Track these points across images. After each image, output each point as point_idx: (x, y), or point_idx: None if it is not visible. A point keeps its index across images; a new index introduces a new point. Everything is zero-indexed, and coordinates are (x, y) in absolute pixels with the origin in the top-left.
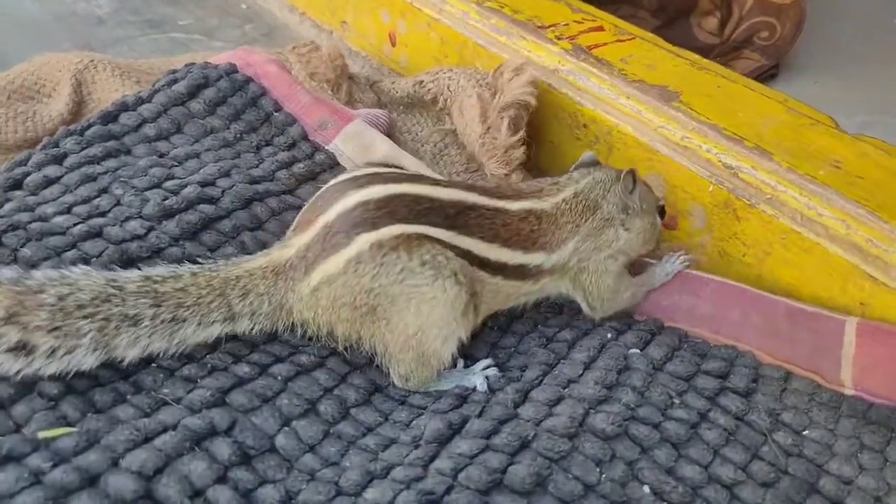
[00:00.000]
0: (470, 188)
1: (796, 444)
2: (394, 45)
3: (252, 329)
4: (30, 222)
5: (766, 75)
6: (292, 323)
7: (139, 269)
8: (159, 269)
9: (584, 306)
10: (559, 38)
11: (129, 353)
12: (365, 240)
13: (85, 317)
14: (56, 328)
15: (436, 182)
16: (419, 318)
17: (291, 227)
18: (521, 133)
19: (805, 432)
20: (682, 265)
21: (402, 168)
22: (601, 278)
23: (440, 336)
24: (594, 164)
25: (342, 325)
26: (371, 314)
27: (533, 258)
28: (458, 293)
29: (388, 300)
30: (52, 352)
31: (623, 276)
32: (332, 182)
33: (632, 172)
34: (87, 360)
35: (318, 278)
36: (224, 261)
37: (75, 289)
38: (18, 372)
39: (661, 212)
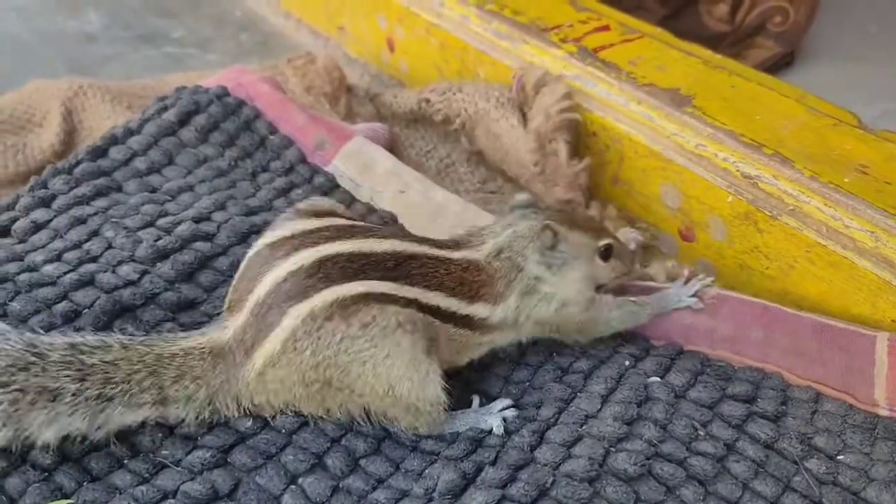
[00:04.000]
0: (407, 238)
1: (830, 471)
2: (392, 51)
3: (186, 417)
4: (18, 273)
5: (781, 63)
6: (244, 409)
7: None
8: (87, 338)
9: (569, 342)
10: (564, 41)
11: (44, 434)
12: (297, 313)
13: None
14: None
15: (369, 233)
16: (381, 380)
17: (225, 305)
18: (587, 160)
19: (839, 457)
20: (691, 301)
21: (336, 217)
22: (564, 321)
23: (415, 385)
24: (526, 206)
25: (305, 404)
26: (328, 387)
27: (478, 310)
28: (413, 339)
29: (339, 370)
30: None
31: (591, 305)
32: (257, 248)
33: (548, 227)
34: None
35: (260, 362)
36: (157, 335)
37: None
38: None
39: (606, 254)
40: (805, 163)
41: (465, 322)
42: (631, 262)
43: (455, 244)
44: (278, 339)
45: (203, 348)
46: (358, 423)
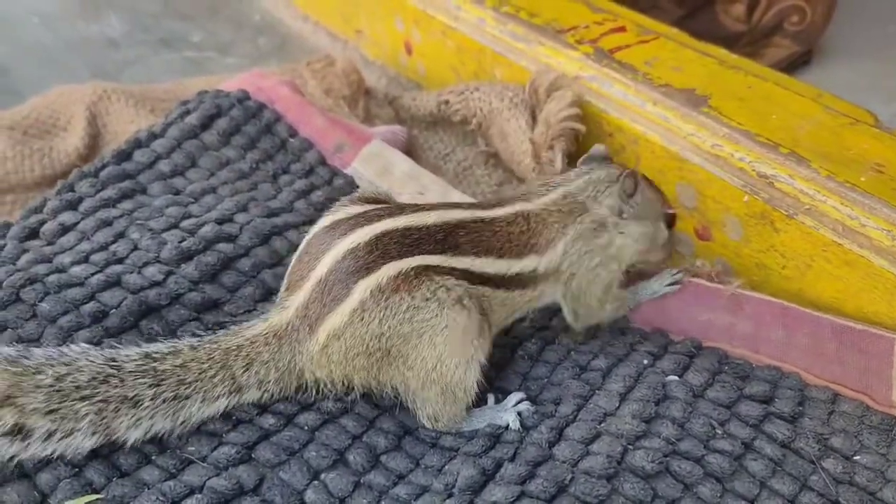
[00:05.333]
0: (453, 206)
1: (847, 470)
2: (410, 53)
3: (261, 398)
4: (47, 274)
5: (798, 63)
6: (305, 384)
7: (154, 334)
8: (158, 346)
9: (567, 313)
10: (580, 43)
11: (132, 435)
12: (364, 287)
13: (82, 398)
14: (53, 410)
15: (417, 208)
16: (435, 350)
17: (283, 287)
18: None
19: (856, 458)
20: (669, 288)
21: (384, 201)
22: (590, 286)
23: (460, 364)
24: (603, 158)
25: (359, 375)
26: (386, 357)
27: (526, 263)
28: (468, 317)
29: (400, 339)
30: (49, 435)
31: (612, 287)
32: (314, 231)
33: (633, 174)
34: (85, 443)
35: (325, 335)
36: (224, 331)
37: (73, 369)
38: (13, 458)
39: (670, 221)
40: (821, 162)
41: (516, 282)
42: (672, 247)
43: (500, 202)
44: (346, 311)
45: (267, 333)
46: (391, 404)
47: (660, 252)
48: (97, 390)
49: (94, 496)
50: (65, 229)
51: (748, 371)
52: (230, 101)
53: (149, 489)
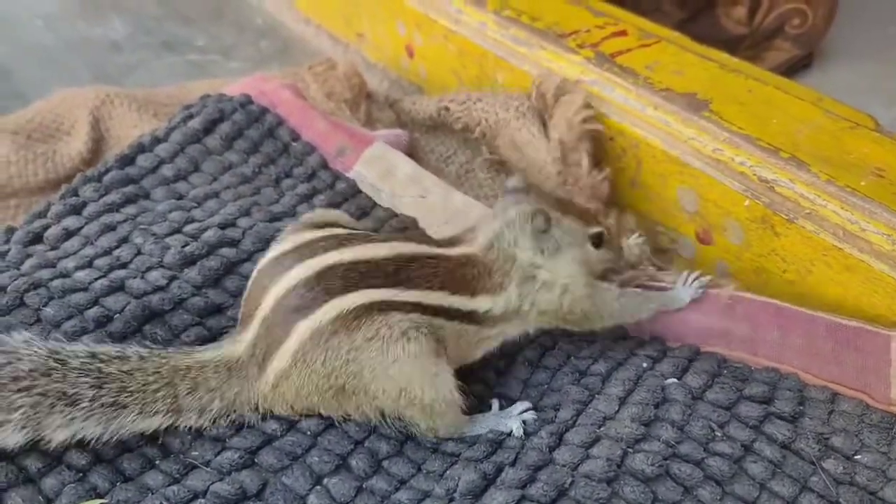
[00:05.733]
0: (406, 239)
1: (847, 471)
2: (411, 56)
3: (198, 425)
4: (51, 279)
5: (799, 66)
6: (262, 415)
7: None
8: (106, 348)
9: (576, 331)
10: (581, 47)
11: (58, 436)
12: (303, 328)
13: (20, 390)
14: None
15: (369, 239)
16: (393, 381)
17: (239, 320)
18: (607, 170)
19: (856, 457)
20: (698, 292)
21: (333, 223)
22: (573, 306)
23: (426, 385)
24: (517, 191)
25: (324, 407)
26: (342, 392)
27: (481, 303)
28: (419, 344)
29: (350, 377)
30: None
31: (597, 292)
32: (263, 262)
33: (541, 211)
34: (12, 438)
35: (272, 376)
36: (174, 348)
37: (14, 358)
38: None
39: (596, 240)
40: (821, 166)
41: (471, 317)
42: (619, 254)
43: (452, 242)
44: (288, 353)
45: (218, 361)
46: (379, 424)
47: (598, 267)
48: (36, 382)
49: (99, 501)
50: (69, 234)
51: (747, 373)
52: (233, 106)
53: (153, 494)
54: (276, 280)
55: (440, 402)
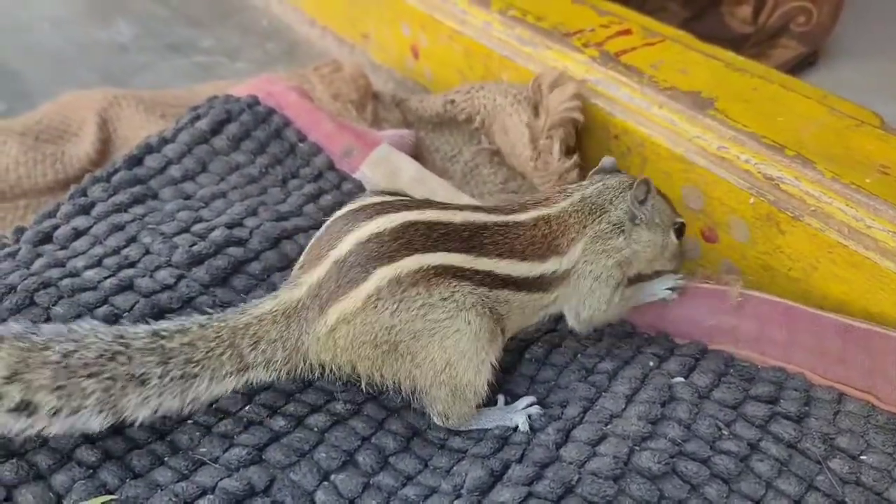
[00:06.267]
0: (477, 209)
1: (853, 470)
2: (417, 57)
3: (269, 378)
4: (61, 278)
5: (804, 64)
6: (310, 365)
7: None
8: (166, 324)
9: (569, 317)
10: (586, 46)
11: (139, 414)
12: (383, 274)
13: (90, 375)
14: (60, 387)
15: (445, 206)
16: (445, 353)
17: (298, 265)
18: (575, 157)
19: (862, 457)
20: (667, 293)
21: (409, 196)
22: (600, 286)
23: (471, 367)
24: (613, 170)
25: (363, 364)
26: (394, 351)
27: (549, 265)
28: (482, 322)
29: (410, 336)
30: (56, 412)
31: (619, 290)
32: (339, 213)
33: (646, 182)
34: (92, 421)
35: (334, 317)
36: (232, 308)
37: (81, 346)
38: (20, 432)
39: (680, 231)
40: (827, 164)
41: (537, 284)
42: (682, 258)
43: (523, 206)
44: (360, 296)
45: (275, 311)
46: (404, 397)
47: (668, 262)
48: (104, 367)
49: (109, 497)
50: (78, 234)
51: (754, 372)
52: (240, 107)
53: (162, 490)
54: (356, 226)
55: (471, 390)
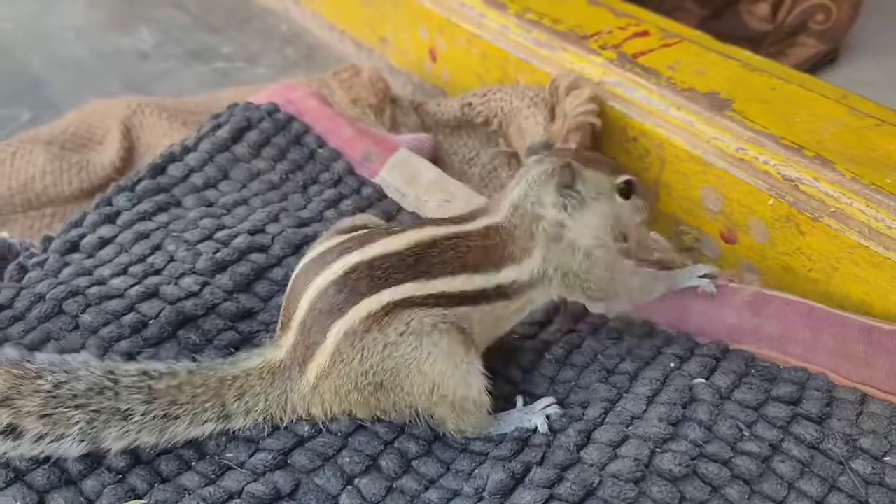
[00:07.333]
0: (426, 223)
1: (876, 471)
2: (435, 61)
3: (246, 425)
4: (88, 287)
5: (824, 61)
6: (300, 417)
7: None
8: (157, 364)
9: (589, 306)
10: (603, 48)
11: (116, 446)
12: (338, 329)
13: (76, 407)
14: (47, 415)
15: (388, 232)
16: (427, 378)
17: (279, 325)
18: None
19: (886, 458)
20: (701, 281)
21: (368, 226)
22: (590, 271)
23: (459, 382)
24: (542, 148)
25: (360, 409)
26: (380, 389)
27: (506, 275)
28: (450, 337)
29: (387, 373)
30: (40, 438)
31: (615, 262)
32: (298, 268)
33: (567, 164)
34: (72, 449)
35: (313, 375)
36: (221, 360)
37: (72, 378)
38: (2, 455)
39: (625, 191)
40: (846, 164)
41: (498, 293)
42: (654, 200)
43: (472, 216)
44: (325, 354)
45: (262, 368)
46: (411, 422)
47: (629, 222)
48: (91, 400)
49: (139, 501)
50: (104, 242)
51: (775, 373)
52: (260, 114)
53: (189, 494)
54: (307, 286)
55: (469, 401)
